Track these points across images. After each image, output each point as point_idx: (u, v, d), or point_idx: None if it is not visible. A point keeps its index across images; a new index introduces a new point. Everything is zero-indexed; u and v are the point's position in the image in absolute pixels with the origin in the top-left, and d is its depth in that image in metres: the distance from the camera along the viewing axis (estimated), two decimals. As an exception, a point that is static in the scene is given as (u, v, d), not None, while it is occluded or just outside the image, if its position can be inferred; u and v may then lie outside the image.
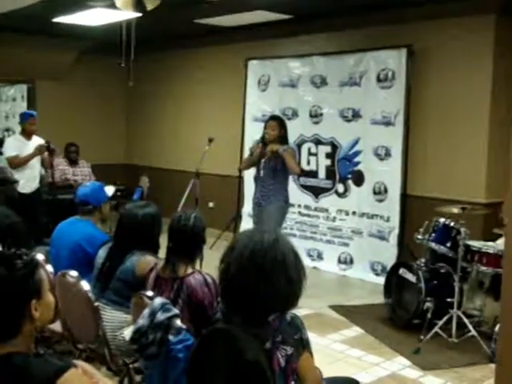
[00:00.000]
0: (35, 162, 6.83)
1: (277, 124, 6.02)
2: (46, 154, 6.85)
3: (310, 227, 7.59)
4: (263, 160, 6.03)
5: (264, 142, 6.00)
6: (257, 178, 6.20)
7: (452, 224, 5.02)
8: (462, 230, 4.81)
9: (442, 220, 5.08)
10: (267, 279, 2.14)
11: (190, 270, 3.00)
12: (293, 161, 5.98)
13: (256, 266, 2.14)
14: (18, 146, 6.83)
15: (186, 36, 8.89)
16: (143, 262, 3.42)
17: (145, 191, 9.17)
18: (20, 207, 5.98)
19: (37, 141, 7.01)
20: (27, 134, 6.96)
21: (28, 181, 6.66)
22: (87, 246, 3.95)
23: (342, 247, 7.25)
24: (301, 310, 2.29)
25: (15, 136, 7.26)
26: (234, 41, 8.44)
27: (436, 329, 4.76)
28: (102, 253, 3.64)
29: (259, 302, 2.16)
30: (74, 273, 3.33)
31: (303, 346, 2.25)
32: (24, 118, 7.09)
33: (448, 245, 4.98)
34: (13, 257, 1.89)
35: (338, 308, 5.82)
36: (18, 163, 6.64)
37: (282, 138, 6.03)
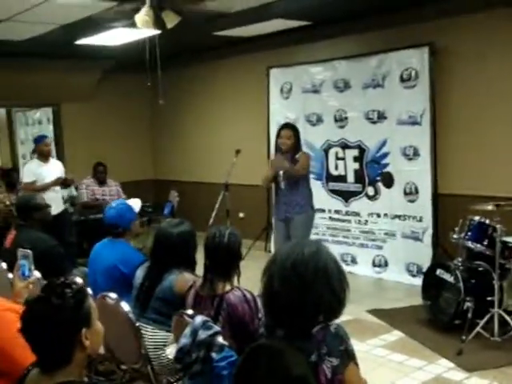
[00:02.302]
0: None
1: (292, 132, 5.91)
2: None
3: (341, 232, 7.56)
4: (281, 172, 5.87)
5: (281, 151, 5.88)
6: (278, 191, 6.02)
7: (487, 221, 4.95)
8: (498, 226, 4.75)
9: (476, 218, 5.02)
10: (310, 290, 2.14)
11: (228, 287, 3.01)
12: (301, 165, 5.84)
13: (298, 277, 2.14)
14: (36, 170, 6.98)
15: (205, 49, 8.94)
16: (181, 280, 3.44)
17: (175, 206, 9.24)
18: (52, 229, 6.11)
19: (54, 163, 7.19)
20: (44, 157, 7.12)
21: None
22: (123, 267, 3.97)
23: (376, 250, 7.20)
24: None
25: (33, 161, 7.36)
26: (255, 50, 8.46)
27: (478, 328, 4.69)
28: (139, 273, 3.66)
29: (303, 314, 2.16)
30: (113, 295, 3.36)
31: (349, 356, 2.23)
32: (38, 141, 7.25)
33: (485, 243, 4.91)
34: (63, 286, 1.90)
35: (376, 312, 5.78)
36: (33, 190, 6.67)
37: (297, 145, 5.96)
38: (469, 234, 5.03)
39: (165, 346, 3.39)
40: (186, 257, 3.56)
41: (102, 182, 8.07)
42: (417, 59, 6.57)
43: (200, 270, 3.28)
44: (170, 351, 3.21)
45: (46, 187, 6.82)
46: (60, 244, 6.46)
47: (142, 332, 3.37)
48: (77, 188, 8.21)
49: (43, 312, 1.84)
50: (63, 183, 7.04)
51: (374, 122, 7.03)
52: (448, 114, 6.55)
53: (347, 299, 2.25)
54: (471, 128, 6.42)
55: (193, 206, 9.11)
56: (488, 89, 6.25)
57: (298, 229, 5.82)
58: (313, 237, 7.09)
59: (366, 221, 7.29)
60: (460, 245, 5.24)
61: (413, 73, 6.61)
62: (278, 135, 5.95)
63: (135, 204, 4.35)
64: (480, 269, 5.09)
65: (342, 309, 2.24)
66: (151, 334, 3.45)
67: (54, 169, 7.11)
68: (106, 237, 4.23)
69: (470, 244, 5.05)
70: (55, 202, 6.80)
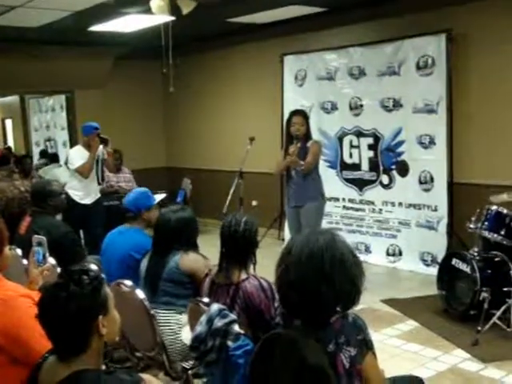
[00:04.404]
0: (93, 175, 6.67)
1: (303, 119, 5.83)
2: (104, 153, 6.76)
3: (355, 220, 7.52)
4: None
5: (292, 138, 5.78)
6: (289, 179, 6.01)
7: (505, 211, 4.89)
8: (516, 216, 4.69)
9: (494, 207, 4.95)
10: (327, 279, 2.11)
11: (244, 275, 2.99)
12: (312, 156, 5.76)
13: (315, 267, 2.12)
14: (82, 155, 6.58)
15: (219, 35, 8.88)
16: (186, 257, 3.48)
17: (188, 193, 9.26)
18: (76, 217, 6.05)
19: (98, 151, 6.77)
20: (90, 147, 6.60)
21: (88, 192, 6.61)
22: (136, 254, 3.96)
23: (390, 239, 7.15)
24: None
25: (78, 147, 6.87)
26: (269, 37, 8.40)
27: (494, 319, 4.64)
28: (144, 261, 3.70)
29: (321, 304, 2.14)
30: (128, 282, 3.35)
31: (367, 346, 2.21)
32: (88, 131, 6.67)
33: (502, 233, 4.86)
34: (80, 272, 1.89)
35: (390, 302, 5.74)
36: (88, 168, 6.50)
37: (308, 132, 5.89)
38: (486, 223, 4.97)
39: (178, 328, 3.39)
40: (185, 241, 3.57)
41: (117, 170, 8.04)
42: (433, 46, 6.49)
43: (213, 257, 3.27)
44: (185, 336, 3.20)
45: (92, 158, 6.52)
46: (83, 231, 6.44)
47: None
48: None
49: (61, 298, 1.83)
50: (100, 140, 6.68)
51: (390, 110, 6.97)
52: (465, 103, 6.48)
53: (363, 287, 2.23)
54: (488, 116, 6.34)
55: (206, 194, 9.12)
56: (506, 77, 6.16)
57: (309, 217, 5.78)
58: (326, 225, 7.08)
59: (381, 210, 7.24)
60: (476, 234, 5.18)
61: (429, 60, 6.53)
62: (289, 122, 5.86)
63: (159, 197, 4.35)
64: (496, 259, 5.02)
65: (358, 297, 2.22)
66: (163, 317, 3.44)
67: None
68: (122, 224, 4.22)
69: (486, 234, 4.98)
70: (90, 191, 6.69)
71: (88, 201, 6.61)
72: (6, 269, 2.69)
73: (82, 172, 6.52)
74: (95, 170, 6.72)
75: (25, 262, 3.48)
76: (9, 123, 15.84)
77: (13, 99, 13.69)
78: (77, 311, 1.82)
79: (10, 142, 15.52)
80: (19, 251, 3.79)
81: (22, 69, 8.87)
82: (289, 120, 5.89)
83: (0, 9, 6.39)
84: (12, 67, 8.75)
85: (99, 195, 6.82)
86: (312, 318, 2.17)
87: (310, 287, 2.11)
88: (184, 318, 3.31)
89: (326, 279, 2.11)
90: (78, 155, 6.64)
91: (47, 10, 6.51)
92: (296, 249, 2.19)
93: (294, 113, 5.99)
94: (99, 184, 6.82)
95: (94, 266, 3.15)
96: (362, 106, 7.27)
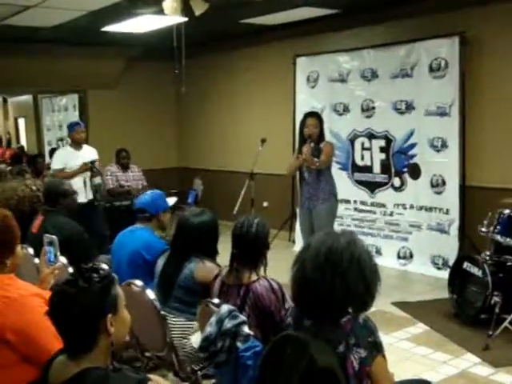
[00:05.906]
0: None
1: (317, 121, 5.83)
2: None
3: (367, 223, 7.50)
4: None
5: (305, 139, 5.77)
6: (302, 181, 6.00)
7: (517, 215, 4.86)
8: (529, 220, 4.66)
9: (506, 211, 4.92)
10: (343, 278, 2.12)
11: (254, 277, 2.98)
12: (326, 156, 5.73)
13: (332, 265, 2.13)
14: (66, 158, 6.82)
15: (232, 37, 8.89)
16: (202, 267, 3.44)
17: (199, 194, 9.27)
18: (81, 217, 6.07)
19: (87, 150, 6.97)
20: (76, 144, 6.94)
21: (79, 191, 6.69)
22: (146, 254, 3.97)
23: (401, 242, 7.12)
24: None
25: (65, 148, 7.16)
26: (281, 38, 8.40)
27: (505, 324, 4.60)
28: (160, 262, 3.66)
29: (334, 302, 2.15)
30: (138, 282, 3.35)
31: (377, 349, 2.21)
32: (70, 128, 7.05)
33: (514, 237, 4.83)
34: (91, 270, 1.90)
35: (401, 304, 5.72)
36: (63, 177, 6.49)
37: (322, 134, 5.89)
38: (498, 227, 4.94)
39: (188, 334, 3.38)
40: (206, 246, 3.53)
41: (125, 168, 8.06)
42: (447, 49, 6.46)
43: (224, 259, 3.26)
44: (195, 340, 3.21)
45: (74, 174, 6.69)
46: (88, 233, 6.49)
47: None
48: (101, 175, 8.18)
49: (69, 294, 1.84)
50: (90, 170, 6.87)
51: (402, 113, 6.94)
52: (477, 106, 6.44)
53: (378, 293, 2.22)
54: (501, 120, 6.30)
55: (217, 195, 9.12)
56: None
57: (321, 218, 5.77)
58: (337, 227, 7.06)
59: (392, 212, 7.21)
60: (488, 238, 5.14)
61: (442, 63, 6.50)
62: (304, 124, 5.85)
63: (170, 200, 4.37)
64: (509, 263, 4.99)
65: (371, 301, 2.22)
66: (174, 322, 3.44)
67: (87, 156, 6.89)
68: (133, 224, 4.23)
69: (498, 237, 4.95)
70: (80, 191, 6.73)
71: (83, 199, 6.61)
72: (18, 268, 2.71)
73: (55, 176, 6.65)
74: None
75: (36, 260, 3.49)
76: (22, 122, 15.94)
77: (26, 98, 13.78)
78: (84, 307, 1.83)
79: (23, 141, 15.61)
80: (31, 250, 3.81)
81: (35, 68, 8.93)
82: (303, 121, 5.89)
83: (14, 8, 6.44)
84: (25, 66, 8.81)
85: (91, 197, 6.86)
86: (323, 318, 2.17)
87: (325, 284, 2.12)
88: (195, 324, 3.31)
89: (340, 277, 2.12)
90: (60, 157, 6.92)
91: (61, 10, 6.54)
92: (315, 245, 2.21)
93: (309, 114, 6.00)
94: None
95: (105, 266, 3.17)
96: (374, 108, 7.25)
